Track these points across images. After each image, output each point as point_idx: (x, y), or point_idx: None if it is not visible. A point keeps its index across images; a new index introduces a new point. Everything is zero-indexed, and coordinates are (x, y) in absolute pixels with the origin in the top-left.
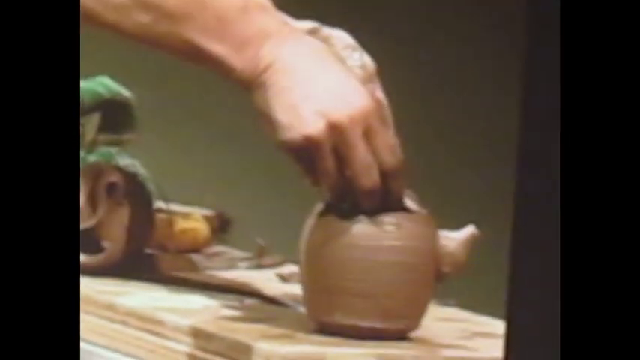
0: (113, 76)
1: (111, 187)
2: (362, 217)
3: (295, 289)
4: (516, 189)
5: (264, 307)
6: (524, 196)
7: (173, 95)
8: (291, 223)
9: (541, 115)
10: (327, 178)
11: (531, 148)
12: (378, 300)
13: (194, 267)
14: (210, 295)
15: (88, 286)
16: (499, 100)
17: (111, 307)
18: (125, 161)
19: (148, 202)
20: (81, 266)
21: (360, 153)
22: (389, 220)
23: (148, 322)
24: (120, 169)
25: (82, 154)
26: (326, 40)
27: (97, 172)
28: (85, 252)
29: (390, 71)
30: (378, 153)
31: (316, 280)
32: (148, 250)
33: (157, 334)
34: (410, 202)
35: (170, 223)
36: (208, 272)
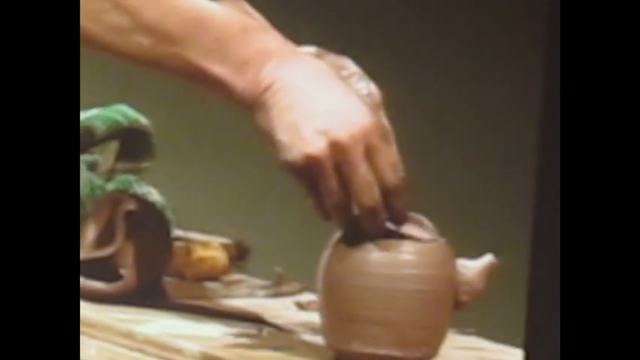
0: (131, 103)
1: (129, 215)
2: (380, 246)
3: (313, 317)
4: (534, 218)
5: (282, 335)
6: (541, 225)
7: (191, 123)
8: (309, 252)
9: (559, 147)
10: (330, 197)
11: (549, 177)
12: (396, 328)
13: (212, 295)
14: (228, 324)
15: (105, 313)
16: (517, 129)
17: (129, 335)
18: (143, 189)
19: (166, 231)
20: (99, 294)
21: (361, 171)
22: (407, 248)
23: (166, 350)
24: (138, 197)
25: (100, 182)
26: (331, 67)
27: (115, 200)
28: (103, 280)
29: (410, 101)
30: (379, 171)
31: (334, 308)
32: (166, 279)
33: None
34: (428, 231)
35: (188, 252)
36: (226, 300)
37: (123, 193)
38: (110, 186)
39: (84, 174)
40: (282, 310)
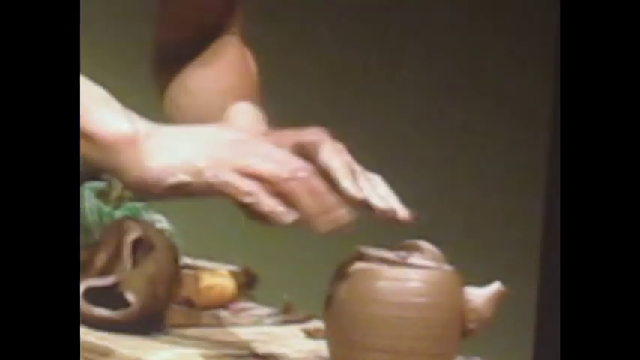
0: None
1: (137, 243)
2: (388, 273)
3: (321, 345)
4: (542, 246)
5: None
6: (549, 253)
7: None
8: (316, 279)
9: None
10: None
11: (556, 207)
12: (404, 356)
13: (220, 323)
14: (236, 351)
15: (113, 341)
16: (525, 160)
17: None
18: (152, 217)
19: (174, 258)
20: (107, 321)
21: None
22: (415, 276)
23: None
24: (146, 225)
25: (108, 209)
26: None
27: (124, 227)
28: (111, 307)
29: (419, 132)
30: None
31: (342, 336)
32: (175, 306)
33: None
34: (436, 259)
35: (196, 279)
36: (234, 328)
37: (131, 221)
38: (119, 213)
39: (92, 201)
40: (290, 337)
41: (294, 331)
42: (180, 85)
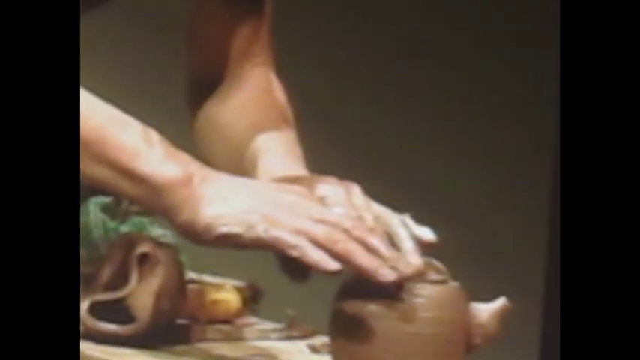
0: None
1: (143, 258)
2: (393, 288)
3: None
4: (547, 261)
5: None
6: (555, 268)
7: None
8: (321, 294)
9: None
10: None
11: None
12: None
13: (225, 338)
14: None
15: (118, 356)
16: (530, 175)
17: None
18: (157, 231)
19: (180, 273)
20: (112, 336)
21: None
22: (420, 291)
23: None
24: (152, 240)
25: (114, 224)
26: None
27: (130, 242)
28: (116, 322)
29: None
30: None
31: (347, 351)
32: (180, 321)
33: None
34: (441, 274)
35: (202, 294)
36: (239, 343)
37: (137, 236)
38: (124, 228)
39: (98, 215)
40: (296, 353)
41: (300, 346)
42: (206, 119)
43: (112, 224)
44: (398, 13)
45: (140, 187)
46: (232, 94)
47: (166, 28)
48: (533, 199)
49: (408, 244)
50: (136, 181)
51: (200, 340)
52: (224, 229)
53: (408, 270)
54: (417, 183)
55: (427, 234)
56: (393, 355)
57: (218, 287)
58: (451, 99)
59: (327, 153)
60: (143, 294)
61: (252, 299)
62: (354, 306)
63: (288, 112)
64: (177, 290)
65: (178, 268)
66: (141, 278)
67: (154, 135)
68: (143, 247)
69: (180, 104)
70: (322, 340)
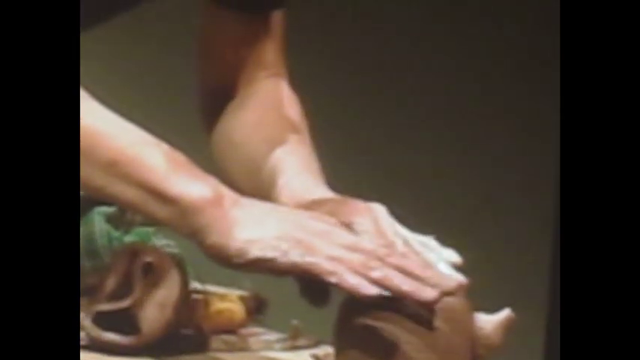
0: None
1: (147, 268)
2: (397, 299)
3: None
4: (551, 272)
5: None
6: (559, 279)
7: (207, 169)
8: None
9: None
10: None
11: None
12: None
13: (229, 348)
14: None
15: None
16: (534, 187)
17: None
18: (161, 241)
19: (184, 283)
20: (116, 346)
21: None
22: None
23: None
24: (156, 250)
25: (118, 233)
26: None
27: (134, 252)
28: (121, 332)
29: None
30: None
31: None
32: (184, 331)
33: None
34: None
35: (206, 304)
36: (243, 353)
37: (141, 245)
38: (129, 238)
39: (102, 225)
40: None
41: (304, 356)
42: (222, 133)
43: (116, 234)
44: (407, 23)
45: (170, 208)
46: (246, 106)
47: (176, 40)
48: (538, 210)
49: (440, 266)
50: (166, 202)
51: (204, 351)
52: (257, 253)
53: (450, 284)
54: (416, 194)
55: (453, 257)
56: None
57: (222, 297)
58: (457, 109)
59: (340, 163)
60: (147, 304)
61: (256, 309)
62: (358, 317)
63: (304, 123)
64: (181, 300)
65: (183, 278)
66: (145, 288)
67: (180, 157)
68: (147, 257)
69: (188, 118)
70: (326, 350)
